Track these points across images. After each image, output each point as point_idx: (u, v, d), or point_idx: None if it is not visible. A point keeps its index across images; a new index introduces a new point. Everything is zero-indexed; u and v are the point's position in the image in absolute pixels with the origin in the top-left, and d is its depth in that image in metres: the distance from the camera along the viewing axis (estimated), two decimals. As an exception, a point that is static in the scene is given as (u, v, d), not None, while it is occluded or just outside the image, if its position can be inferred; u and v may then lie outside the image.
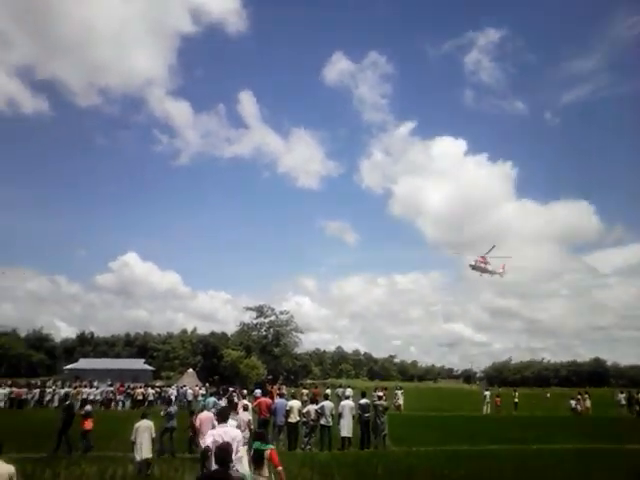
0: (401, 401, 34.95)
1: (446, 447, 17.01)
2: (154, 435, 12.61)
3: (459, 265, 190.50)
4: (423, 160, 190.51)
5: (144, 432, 12.24)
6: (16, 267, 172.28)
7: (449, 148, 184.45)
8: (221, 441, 6.30)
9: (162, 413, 15.96)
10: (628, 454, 16.26)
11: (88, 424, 15.55)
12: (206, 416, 14.49)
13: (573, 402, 34.37)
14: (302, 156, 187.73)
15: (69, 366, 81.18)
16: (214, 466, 5.48)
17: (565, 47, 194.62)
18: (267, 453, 7.22)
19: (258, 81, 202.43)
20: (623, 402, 35.20)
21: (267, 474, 7.16)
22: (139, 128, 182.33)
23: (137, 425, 12.31)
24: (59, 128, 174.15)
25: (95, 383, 41.73)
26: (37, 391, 35.98)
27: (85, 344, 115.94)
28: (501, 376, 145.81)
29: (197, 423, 13.66)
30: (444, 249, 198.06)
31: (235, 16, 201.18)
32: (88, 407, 16.43)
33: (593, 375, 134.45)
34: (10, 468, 6.19)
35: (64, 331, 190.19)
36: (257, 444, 7.39)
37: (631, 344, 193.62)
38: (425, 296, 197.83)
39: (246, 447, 8.49)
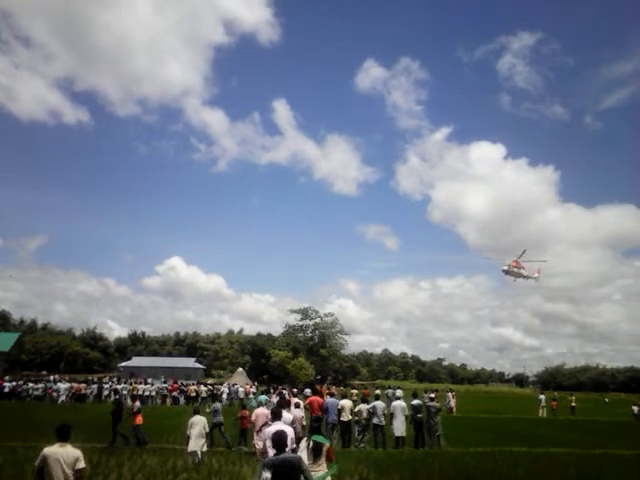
0: (453, 403, 34.38)
1: (504, 448, 16.66)
2: (207, 430, 13.22)
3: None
4: (461, 165, 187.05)
5: (196, 426, 12.87)
6: (69, 270, 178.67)
7: (487, 153, 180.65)
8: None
9: (207, 410, 16.48)
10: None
11: (138, 419, 16.16)
12: (262, 412, 14.81)
13: (635, 408, 33.07)
14: (338, 162, 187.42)
15: (123, 364, 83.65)
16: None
17: (603, 50, 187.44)
18: (325, 447, 7.36)
19: (291, 89, 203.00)
20: (687, 408, 33.66)
21: (324, 467, 7.27)
22: (177, 137, 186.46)
23: (191, 420, 12.95)
24: (101, 138, 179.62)
25: (149, 380, 42.86)
26: (95, 386, 37.24)
27: (137, 343, 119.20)
28: (555, 380, 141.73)
29: (253, 418, 13.92)
30: (487, 254, 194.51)
31: (267, 26, 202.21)
32: (137, 403, 16.97)
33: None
34: (76, 452, 6.39)
35: (116, 331, 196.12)
36: (317, 437, 7.53)
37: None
38: (470, 300, 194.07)
39: (304, 441, 8.51)
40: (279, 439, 5.86)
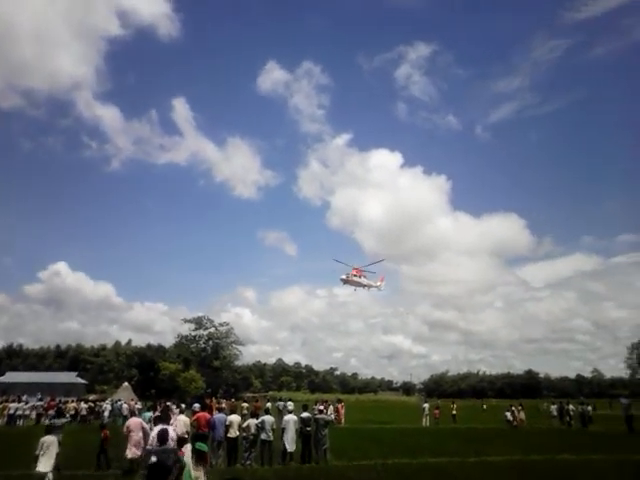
0: (341, 414, 34.87)
1: (387, 460, 17.02)
2: (58, 450, 12.13)
3: (397, 277, 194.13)
4: (360, 172, 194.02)
5: (51, 446, 11.87)
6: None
7: (385, 161, 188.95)
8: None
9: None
10: (560, 465, 16.74)
11: None
12: (134, 421, 14.22)
13: (508, 414, 35.28)
14: (239, 165, 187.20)
15: (-5, 380, 76.91)
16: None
17: (492, 65, 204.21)
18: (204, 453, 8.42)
19: (192, 88, 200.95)
20: (555, 413, 36.48)
21: (203, 472, 8.36)
22: (67, 133, 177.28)
23: (42, 440, 11.87)
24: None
25: (24, 397, 39.66)
26: (-41, 406, 33.84)
27: (13, 356, 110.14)
28: (439, 388, 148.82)
29: (125, 429, 13.37)
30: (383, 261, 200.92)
31: (167, 20, 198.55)
32: None
33: (526, 387, 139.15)
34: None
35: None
36: (199, 444, 8.39)
37: (561, 356, 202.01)
38: (365, 308, 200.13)
39: (189, 446, 8.88)
40: (163, 434, 8.24)
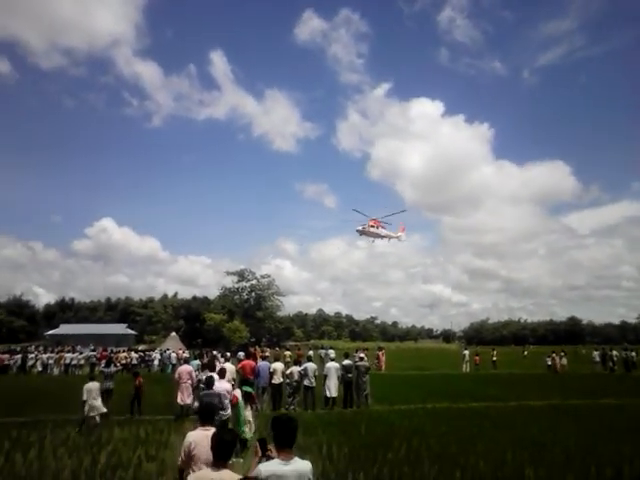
0: (382, 361, 35.45)
1: (427, 405, 17.40)
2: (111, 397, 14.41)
3: (438, 227, 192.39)
4: (400, 122, 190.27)
5: (93, 392, 13.23)
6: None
7: (426, 110, 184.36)
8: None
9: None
10: (601, 409, 16.79)
11: None
12: (184, 369, 14.94)
13: (549, 360, 35.27)
14: (278, 118, 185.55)
15: (50, 332, 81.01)
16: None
17: (540, 6, 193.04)
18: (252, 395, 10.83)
19: (229, 41, 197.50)
20: (597, 359, 36.26)
21: (252, 412, 10.77)
22: (108, 90, 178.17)
23: (87, 386, 13.19)
24: (24, 91, 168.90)
25: (78, 348, 41.73)
26: (19, 357, 35.88)
27: (66, 310, 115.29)
28: (480, 336, 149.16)
29: (176, 375, 14.02)
30: (423, 211, 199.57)
31: None
32: None
33: (569, 334, 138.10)
34: None
35: (44, 297, 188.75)
36: (246, 387, 10.76)
37: (605, 303, 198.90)
38: (404, 258, 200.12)
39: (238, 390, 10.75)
40: (209, 381, 10.16)
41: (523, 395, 20.39)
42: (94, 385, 13.44)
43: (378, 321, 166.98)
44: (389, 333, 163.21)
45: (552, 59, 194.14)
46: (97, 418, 13.20)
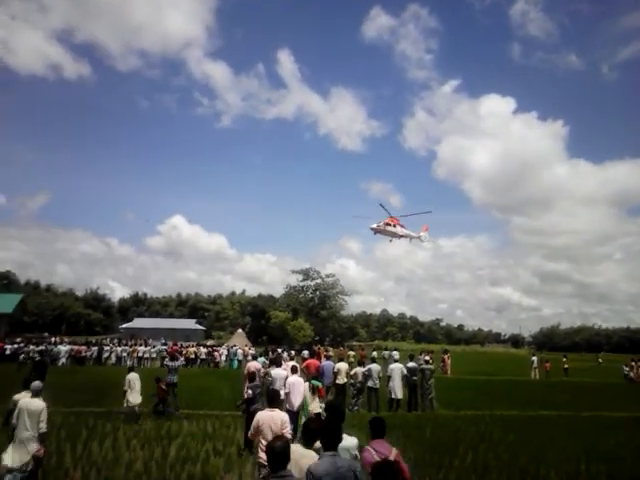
0: (448, 364, 34.82)
1: (494, 412, 16.95)
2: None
3: (507, 228, 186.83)
4: (469, 119, 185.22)
5: (136, 382, 14.02)
6: (71, 230, 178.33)
7: (496, 106, 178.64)
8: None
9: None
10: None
11: None
12: (253, 364, 15.28)
13: (626, 369, 33.56)
14: (344, 116, 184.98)
15: (125, 325, 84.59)
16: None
17: None
18: (319, 388, 11.16)
19: (296, 39, 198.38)
20: (680, 370, 34.17)
21: (317, 401, 10.87)
22: (180, 91, 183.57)
23: (128, 377, 14.07)
24: (102, 92, 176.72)
25: (150, 341, 43.33)
26: (95, 349, 37.64)
27: (139, 304, 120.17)
28: (550, 341, 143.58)
29: (245, 371, 14.35)
30: (492, 212, 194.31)
31: None
32: None
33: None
34: (41, 404, 7.20)
35: (118, 291, 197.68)
36: (314, 381, 11.30)
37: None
38: (471, 260, 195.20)
39: (307, 384, 11.35)
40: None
41: (597, 405, 19.51)
42: (134, 375, 14.14)
43: (443, 323, 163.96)
44: (454, 336, 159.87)
45: (633, 53, 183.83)
46: (136, 409, 13.82)
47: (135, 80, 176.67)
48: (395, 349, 36.95)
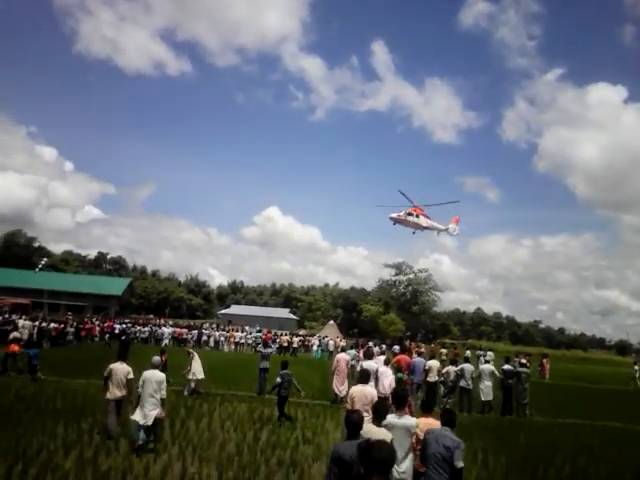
0: (546, 369, 33.24)
1: (595, 422, 16.01)
2: None
3: (615, 227, 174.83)
4: (574, 110, 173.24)
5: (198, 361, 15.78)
6: (175, 219, 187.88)
7: (605, 96, 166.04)
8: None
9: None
10: None
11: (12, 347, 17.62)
12: (342, 356, 15.40)
13: None
14: (439, 107, 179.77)
15: (222, 311, 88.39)
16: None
17: None
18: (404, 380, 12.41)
19: (390, 29, 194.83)
20: None
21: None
22: (275, 85, 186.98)
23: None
24: (202, 88, 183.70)
25: (246, 328, 44.95)
26: (195, 332, 39.63)
27: (236, 292, 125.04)
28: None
29: (334, 362, 14.46)
30: (598, 209, 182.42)
31: None
32: (15, 333, 19.19)
33: None
34: (162, 375, 9.32)
35: (217, 278, 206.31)
36: (399, 374, 12.85)
37: None
38: (575, 260, 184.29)
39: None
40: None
41: None
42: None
43: (542, 325, 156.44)
44: (554, 339, 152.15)
45: None
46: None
47: (233, 75, 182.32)
48: (490, 349, 35.91)
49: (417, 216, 42.87)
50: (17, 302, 41.61)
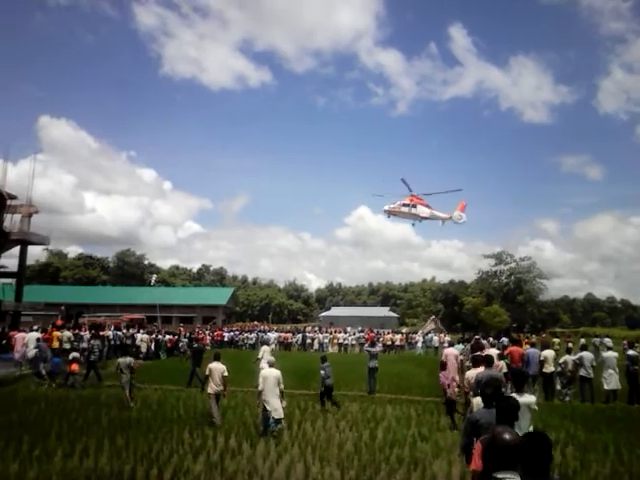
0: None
1: None
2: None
3: None
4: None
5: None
6: (269, 227, 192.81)
7: None
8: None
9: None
10: None
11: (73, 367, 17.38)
12: (451, 351, 14.98)
13: None
14: (527, 86, 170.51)
15: (323, 313, 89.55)
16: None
17: None
18: None
19: (467, 11, 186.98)
20: None
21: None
22: (354, 84, 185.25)
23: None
24: (283, 96, 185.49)
25: (349, 329, 45.27)
26: (300, 336, 40.43)
27: (334, 294, 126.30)
28: None
29: (443, 357, 14.13)
30: None
31: None
32: (74, 354, 18.12)
33: None
34: (278, 372, 10.59)
35: (314, 282, 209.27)
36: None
37: None
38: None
39: None
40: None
41: None
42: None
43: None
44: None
45: None
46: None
47: (311, 79, 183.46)
48: (607, 336, 33.80)
49: (414, 206, 40.61)
50: (133, 317, 44.37)
